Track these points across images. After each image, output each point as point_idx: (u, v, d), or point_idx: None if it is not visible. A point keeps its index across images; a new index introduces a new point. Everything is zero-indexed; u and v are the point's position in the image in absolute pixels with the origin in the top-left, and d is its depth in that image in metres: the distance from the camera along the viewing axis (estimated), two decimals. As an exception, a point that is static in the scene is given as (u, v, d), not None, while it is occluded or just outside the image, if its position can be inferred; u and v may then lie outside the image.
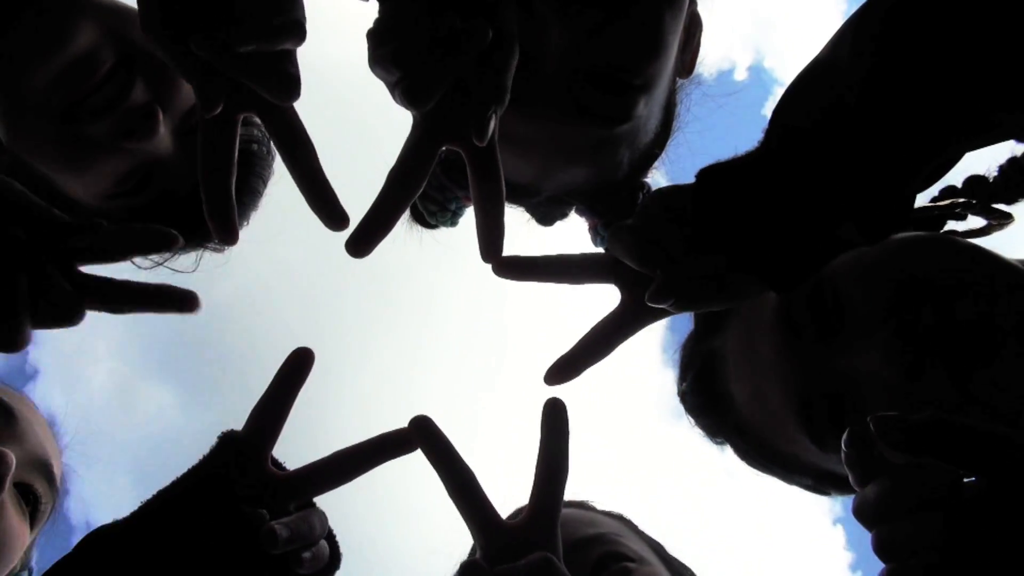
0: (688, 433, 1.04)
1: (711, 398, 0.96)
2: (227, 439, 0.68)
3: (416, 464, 0.71)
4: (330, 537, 0.70)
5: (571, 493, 0.97)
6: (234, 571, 0.63)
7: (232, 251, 1.10)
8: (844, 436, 0.53)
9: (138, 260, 1.10)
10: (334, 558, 0.70)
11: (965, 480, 0.48)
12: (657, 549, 0.91)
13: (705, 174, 0.69)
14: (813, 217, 0.63)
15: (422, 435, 0.69)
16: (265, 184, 1.10)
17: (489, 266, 0.72)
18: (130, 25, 0.93)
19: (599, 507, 0.97)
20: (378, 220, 0.67)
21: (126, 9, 0.96)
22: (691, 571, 0.94)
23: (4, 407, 0.87)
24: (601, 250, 0.75)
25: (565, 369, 0.73)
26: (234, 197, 0.67)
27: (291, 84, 0.65)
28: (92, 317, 0.67)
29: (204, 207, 0.67)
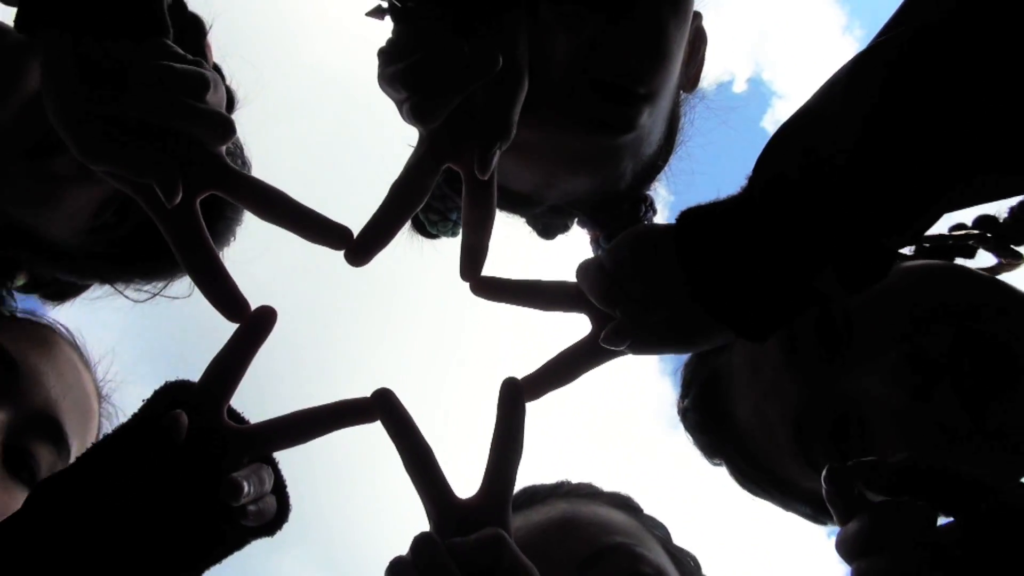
0: (683, 443, 1.04)
1: (712, 416, 0.96)
2: (175, 384, 0.68)
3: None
4: (280, 491, 0.70)
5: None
6: (177, 512, 0.63)
7: (229, 255, 1.09)
8: (824, 473, 0.56)
9: (130, 293, 1.09)
10: (282, 512, 0.69)
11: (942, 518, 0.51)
12: (664, 542, 0.90)
13: (685, 217, 0.69)
14: (791, 269, 0.63)
15: (383, 406, 0.69)
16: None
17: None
18: None
19: (604, 489, 0.95)
20: (378, 231, 0.69)
21: None
22: (693, 557, 0.93)
23: (5, 357, 0.81)
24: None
25: (528, 390, 0.73)
26: (227, 274, 0.68)
27: (225, 123, 0.64)
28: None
29: (205, 295, 0.68)
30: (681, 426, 1.03)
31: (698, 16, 0.88)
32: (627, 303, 0.69)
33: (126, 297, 1.08)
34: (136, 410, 0.67)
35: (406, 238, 1.00)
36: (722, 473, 1.00)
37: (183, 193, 0.64)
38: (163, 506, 0.62)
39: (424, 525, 0.68)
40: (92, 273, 1.04)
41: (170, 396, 0.67)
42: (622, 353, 0.72)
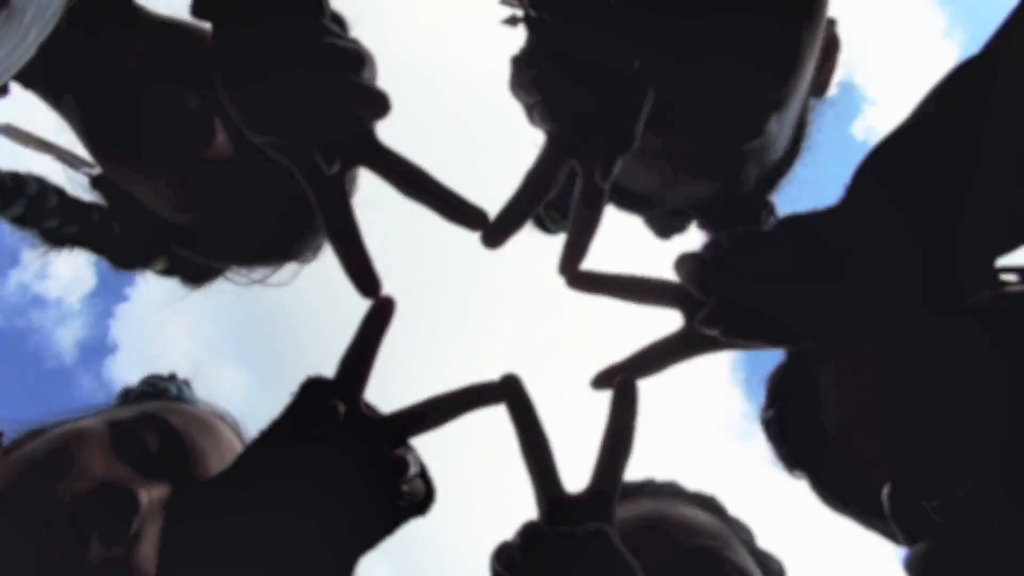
0: (751, 455, 1.03)
1: (799, 428, 0.94)
2: (316, 379, 0.71)
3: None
4: (424, 476, 0.72)
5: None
6: (343, 493, 0.65)
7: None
8: (886, 492, 0.56)
9: (234, 277, 1.15)
10: (429, 494, 0.72)
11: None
12: (749, 544, 0.90)
13: (785, 224, 0.69)
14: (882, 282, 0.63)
15: (510, 391, 0.72)
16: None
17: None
18: (178, 38, 0.96)
19: (688, 490, 0.96)
20: (513, 216, 0.72)
21: (172, 22, 0.99)
22: (778, 561, 0.93)
23: (176, 439, 0.85)
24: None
25: (613, 378, 0.75)
26: (367, 250, 0.70)
27: (383, 99, 0.67)
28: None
29: (344, 267, 0.71)
30: (749, 438, 1.03)
31: (832, 22, 0.87)
32: (724, 288, 0.69)
33: (225, 277, 1.14)
34: (286, 405, 0.69)
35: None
36: (794, 486, 1.00)
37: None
38: (330, 488, 0.65)
39: (496, 526, 0.71)
40: (209, 253, 1.10)
41: (314, 390, 0.70)
42: (716, 349, 0.73)
